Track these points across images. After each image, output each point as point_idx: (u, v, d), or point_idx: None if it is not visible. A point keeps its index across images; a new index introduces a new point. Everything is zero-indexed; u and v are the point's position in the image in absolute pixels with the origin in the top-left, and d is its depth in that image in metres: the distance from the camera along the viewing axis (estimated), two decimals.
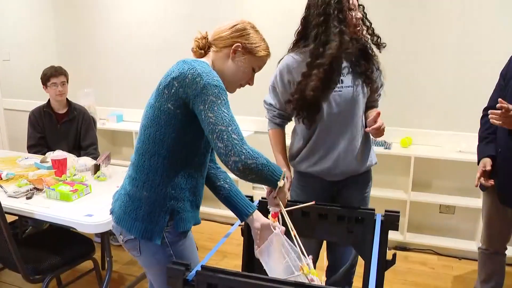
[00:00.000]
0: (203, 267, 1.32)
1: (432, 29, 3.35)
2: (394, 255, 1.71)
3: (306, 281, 1.37)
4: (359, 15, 1.97)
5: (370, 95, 2.10)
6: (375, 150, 3.31)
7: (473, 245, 3.33)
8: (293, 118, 2.16)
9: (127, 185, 1.58)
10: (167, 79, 1.46)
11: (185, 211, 1.57)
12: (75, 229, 2.16)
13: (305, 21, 2.03)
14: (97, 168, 2.78)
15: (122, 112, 4.49)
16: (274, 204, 1.57)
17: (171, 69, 1.48)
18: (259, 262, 1.89)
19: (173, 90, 1.44)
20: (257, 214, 1.71)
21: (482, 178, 2.22)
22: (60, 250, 2.41)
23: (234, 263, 3.21)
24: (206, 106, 1.39)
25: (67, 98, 3.37)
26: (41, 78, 3.24)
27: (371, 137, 2.11)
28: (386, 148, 3.42)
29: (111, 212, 1.65)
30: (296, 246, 1.53)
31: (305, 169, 2.11)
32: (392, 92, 3.53)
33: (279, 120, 2.17)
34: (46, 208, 2.25)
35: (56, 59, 4.66)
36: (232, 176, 1.75)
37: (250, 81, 1.64)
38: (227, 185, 1.75)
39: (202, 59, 1.56)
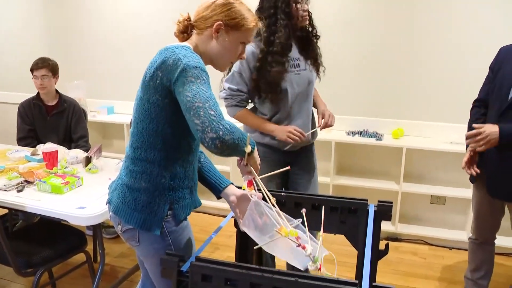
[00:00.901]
0: (197, 258, 1.32)
1: (424, 23, 3.36)
2: (387, 245, 1.72)
3: (289, 241, 1.35)
4: (306, 7, 2.25)
5: None
6: (367, 141, 3.38)
7: (463, 235, 3.37)
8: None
9: (125, 176, 1.57)
10: (151, 70, 1.44)
11: (185, 199, 1.57)
12: (66, 221, 2.15)
13: (259, 12, 2.27)
14: (88, 160, 2.76)
15: (113, 104, 4.45)
16: (246, 172, 1.53)
17: (154, 59, 1.47)
18: (253, 253, 1.90)
19: (158, 81, 1.42)
20: (231, 188, 1.69)
21: (467, 167, 2.23)
22: (51, 243, 2.39)
23: (227, 255, 3.21)
24: (185, 86, 1.36)
25: (57, 90, 3.33)
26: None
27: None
28: (378, 140, 3.44)
29: (109, 202, 1.64)
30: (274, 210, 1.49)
31: (268, 142, 2.38)
32: (384, 84, 3.55)
33: (246, 103, 2.40)
34: (37, 201, 2.23)
35: (47, 50, 4.59)
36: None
37: (241, 56, 1.60)
38: (199, 164, 1.73)
39: (184, 43, 1.53)
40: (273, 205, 1.50)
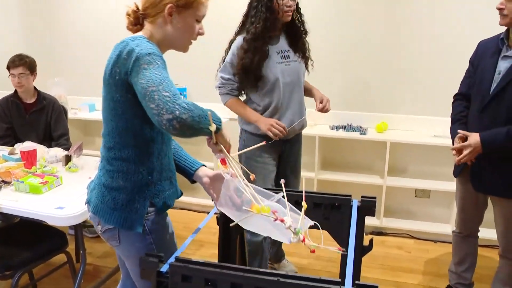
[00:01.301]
0: (177, 258, 1.29)
1: (407, 16, 3.35)
2: (371, 241, 1.70)
3: (264, 218, 1.30)
4: (290, 3, 2.32)
5: None
6: (351, 135, 3.38)
7: (447, 228, 3.38)
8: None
9: (102, 176, 1.54)
10: (109, 67, 1.41)
11: (165, 191, 1.55)
12: (45, 222, 2.10)
13: (249, 5, 2.41)
14: (68, 159, 2.70)
15: (95, 101, 4.37)
16: (217, 150, 1.47)
17: (110, 55, 1.43)
18: (235, 251, 1.87)
19: (117, 77, 1.39)
20: (203, 170, 1.66)
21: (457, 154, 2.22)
22: (31, 245, 2.34)
23: (211, 252, 3.18)
24: (139, 75, 1.32)
25: (35, 88, 3.26)
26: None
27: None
28: (361, 134, 3.43)
29: (88, 202, 1.60)
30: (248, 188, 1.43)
31: (263, 132, 2.44)
32: (368, 78, 3.54)
33: (237, 92, 2.53)
34: (15, 202, 2.18)
35: (24, 46, 4.47)
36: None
37: (200, 32, 1.53)
38: None
39: (139, 34, 1.49)
40: (239, 177, 1.44)
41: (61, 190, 2.33)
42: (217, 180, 1.60)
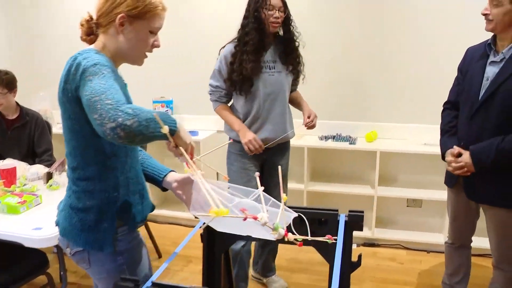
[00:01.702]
0: (153, 283, 1.23)
1: (396, 25, 3.34)
2: (360, 256, 1.64)
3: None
4: (277, 14, 2.35)
5: (293, 81, 2.62)
6: (340, 145, 3.32)
7: (440, 238, 3.33)
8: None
9: (68, 197, 1.49)
10: (61, 85, 1.35)
11: (135, 206, 1.49)
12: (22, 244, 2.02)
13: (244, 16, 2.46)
14: (49, 176, 2.63)
15: None
16: (178, 154, 1.37)
17: (62, 73, 1.36)
18: (221, 269, 1.80)
19: (69, 94, 1.33)
20: (171, 175, 1.60)
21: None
22: (9, 267, 2.26)
23: (199, 268, 3.08)
24: (85, 87, 1.25)
25: (17, 103, 3.19)
26: None
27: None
28: (351, 144, 3.38)
29: (57, 224, 1.54)
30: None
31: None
32: (356, 86, 3.51)
33: (226, 99, 2.58)
34: None
35: (8, 60, 4.39)
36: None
37: (155, 44, 1.46)
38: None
39: (90, 47, 1.44)
40: (197, 176, 1.34)
41: (40, 210, 2.26)
42: (187, 183, 1.53)
